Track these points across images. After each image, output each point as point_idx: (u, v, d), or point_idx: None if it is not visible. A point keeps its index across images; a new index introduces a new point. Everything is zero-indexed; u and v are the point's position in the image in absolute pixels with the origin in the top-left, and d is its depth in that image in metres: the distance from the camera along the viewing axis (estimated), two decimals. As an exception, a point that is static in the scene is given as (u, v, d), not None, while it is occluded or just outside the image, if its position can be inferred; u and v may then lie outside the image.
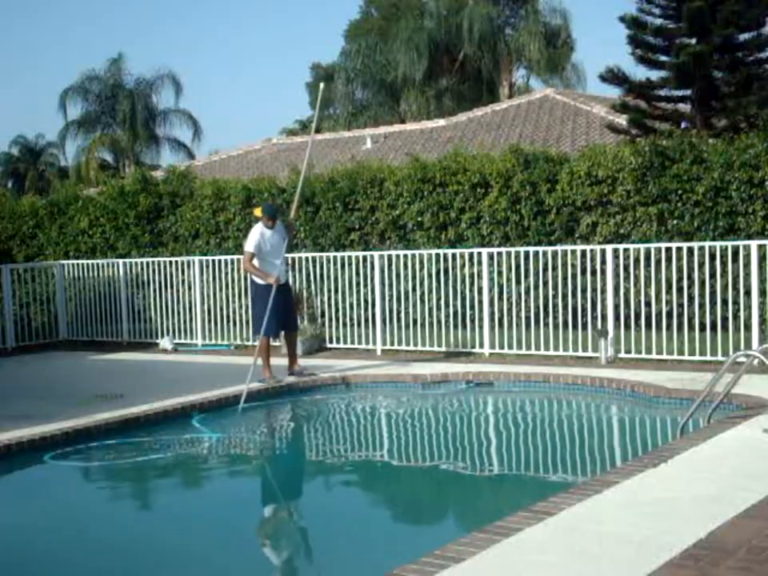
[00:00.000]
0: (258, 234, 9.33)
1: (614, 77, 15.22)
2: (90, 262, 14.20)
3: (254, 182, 14.73)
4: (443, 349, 10.99)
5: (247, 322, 12.80)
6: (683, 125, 14.79)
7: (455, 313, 11.54)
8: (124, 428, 7.58)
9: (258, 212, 9.60)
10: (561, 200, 12.05)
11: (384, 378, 9.59)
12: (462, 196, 12.74)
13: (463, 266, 11.67)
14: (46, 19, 76.54)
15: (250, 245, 9.33)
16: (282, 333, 9.94)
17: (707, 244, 9.99)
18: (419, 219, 13.04)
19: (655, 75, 15.43)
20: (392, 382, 9.50)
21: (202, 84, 77.17)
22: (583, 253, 10.71)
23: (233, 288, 12.92)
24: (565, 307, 10.65)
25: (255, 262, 9.34)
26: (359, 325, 12.03)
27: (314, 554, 5.08)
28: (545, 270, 10.96)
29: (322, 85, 10.97)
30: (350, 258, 12.19)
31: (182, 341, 12.97)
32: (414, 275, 11.79)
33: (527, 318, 10.97)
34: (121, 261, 13.92)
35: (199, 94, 76.19)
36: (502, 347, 10.69)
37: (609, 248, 10.21)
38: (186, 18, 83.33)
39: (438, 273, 11.70)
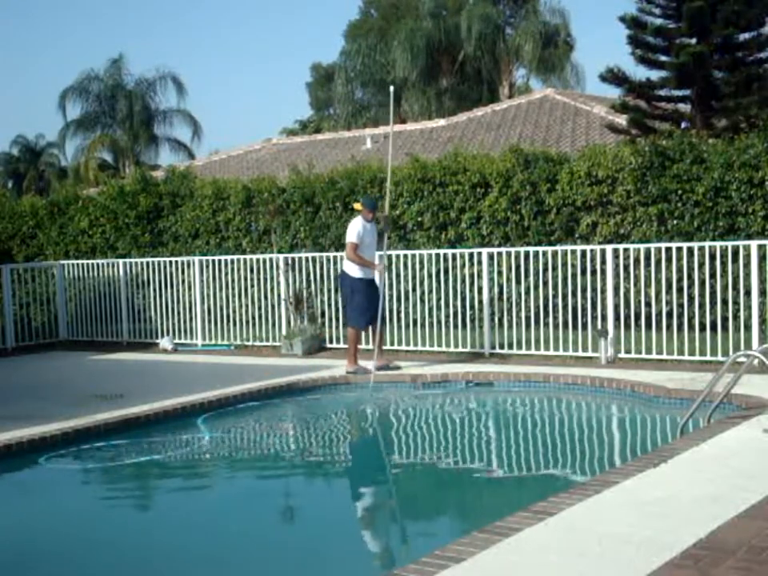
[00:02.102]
0: (359, 225, 9.58)
1: (614, 77, 15.21)
2: (90, 262, 14.20)
3: (254, 182, 14.73)
4: (443, 349, 10.99)
5: (247, 322, 12.84)
6: (683, 125, 14.78)
7: (455, 313, 11.54)
8: (124, 428, 7.58)
9: (358, 206, 9.91)
10: (561, 200, 12.05)
11: (383, 378, 9.58)
12: (462, 196, 12.73)
13: (463, 266, 11.67)
14: (46, 19, 76.55)
15: (352, 235, 9.54)
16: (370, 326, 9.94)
17: (707, 244, 9.99)
18: (419, 219, 13.04)
19: (655, 75, 15.43)
20: (391, 382, 9.50)
21: (202, 84, 77.25)
22: (583, 253, 10.70)
23: (233, 288, 12.93)
24: (565, 307, 10.64)
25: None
26: (359, 325, 12.01)
27: (317, 552, 5.08)
28: (545, 269, 10.96)
29: (392, 88, 10.73)
30: (350, 258, 12.18)
31: (182, 341, 12.97)
32: (414, 275, 11.79)
33: (527, 318, 10.97)
34: (121, 261, 13.93)
35: (199, 94, 76.27)
36: (502, 347, 10.70)
37: (609, 248, 10.21)
38: (186, 17, 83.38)
39: (438, 273, 11.70)
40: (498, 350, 10.68)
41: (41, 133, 49.55)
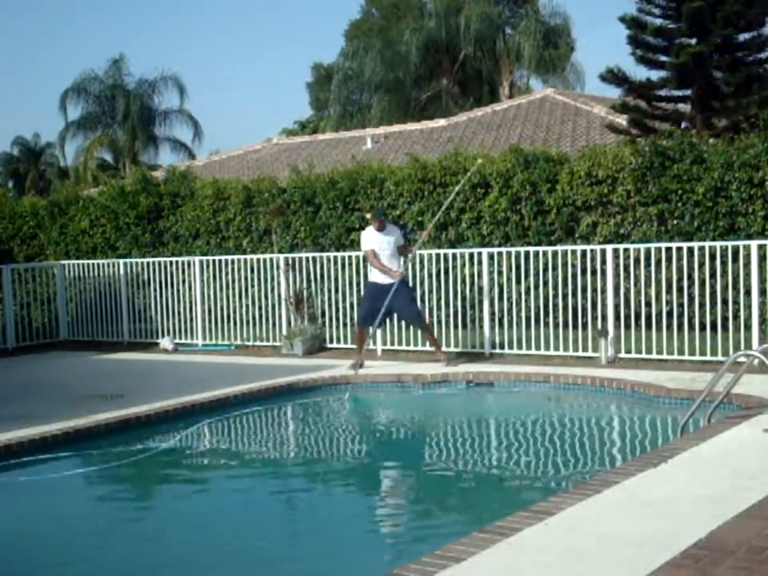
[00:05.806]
0: (366, 234, 10.36)
1: (614, 77, 15.19)
2: (90, 261, 14.21)
3: (254, 182, 14.73)
4: (443, 349, 10.98)
5: (248, 322, 12.85)
6: (683, 125, 14.78)
7: (455, 313, 11.54)
8: (124, 428, 7.58)
9: (369, 215, 10.89)
10: (561, 200, 12.05)
11: (383, 378, 9.59)
12: (462, 196, 12.73)
13: (463, 265, 11.68)
14: (46, 19, 76.57)
15: (363, 245, 10.35)
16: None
17: (707, 244, 10.00)
18: (419, 219, 13.04)
19: (655, 75, 15.41)
20: (392, 382, 9.50)
21: (203, 84, 77.27)
22: (583, 253, 10.71)
23: (233, 288, 12.93)
24: (565, 307, 10.64)
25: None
26: (359, 325, 12.02)
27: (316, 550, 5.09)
28: (545, 269, 10.96)
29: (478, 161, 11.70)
30: (350, 257, 12.20)
31: (183, 341, 12.98)
32: (414, 275, 11.78)
33: (527, 318, 10.97)
34: (121, 261, 13.93)
35: (199, 94, 76.22)
36: (502, 347, 10.70)
37: (609, 248, 10.22)
38: (187, 17, 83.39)
39: (438, 273, 11.70)
40: (498, 350, 10.68)
41: (38, 132, 49.64)
